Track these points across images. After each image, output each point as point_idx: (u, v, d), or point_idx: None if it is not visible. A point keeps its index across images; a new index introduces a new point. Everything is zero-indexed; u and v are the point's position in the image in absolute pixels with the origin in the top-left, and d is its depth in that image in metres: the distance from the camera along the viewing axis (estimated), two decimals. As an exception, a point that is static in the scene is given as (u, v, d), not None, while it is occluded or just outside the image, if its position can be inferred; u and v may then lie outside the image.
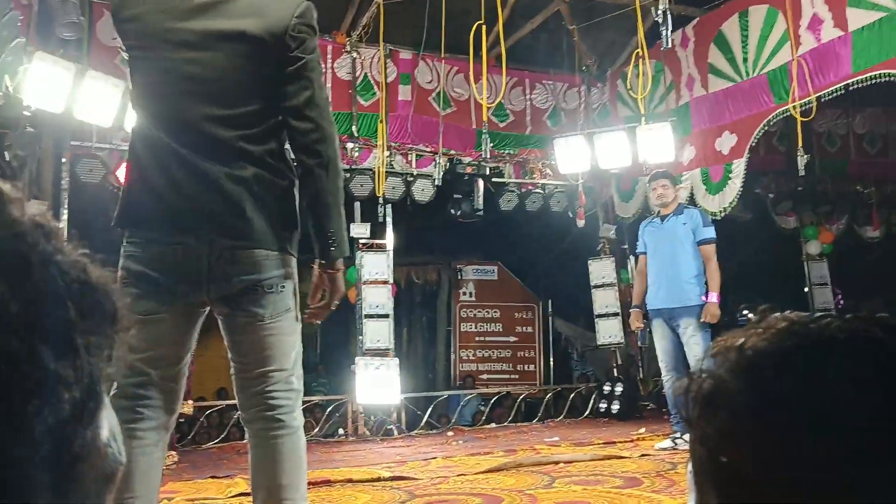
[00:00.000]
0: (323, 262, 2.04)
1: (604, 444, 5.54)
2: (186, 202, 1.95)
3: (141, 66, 2.04)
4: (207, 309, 2.05)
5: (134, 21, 2.01)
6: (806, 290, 9.07)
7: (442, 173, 7.16)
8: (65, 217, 6.09)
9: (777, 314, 0.55)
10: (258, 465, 1.98)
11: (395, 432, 6.93)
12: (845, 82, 5.34)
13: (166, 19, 1.98)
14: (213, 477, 4.55)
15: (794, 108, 5.70)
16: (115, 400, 1.84)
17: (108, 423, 0.37)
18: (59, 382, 0.32)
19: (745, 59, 6.26)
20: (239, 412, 2.09)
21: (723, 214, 6.56)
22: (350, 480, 4.21)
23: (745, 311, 13.39)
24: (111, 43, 5.88)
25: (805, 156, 5.83)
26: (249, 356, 2.01)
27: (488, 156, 6.61)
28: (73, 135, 6.10)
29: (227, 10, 1.98)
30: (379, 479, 4.25)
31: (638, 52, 6.11)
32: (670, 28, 5.45)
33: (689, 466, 0.53)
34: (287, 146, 2.09)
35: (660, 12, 5.35)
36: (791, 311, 0.55)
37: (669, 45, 5.61)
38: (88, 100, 5.25)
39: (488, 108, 6.73)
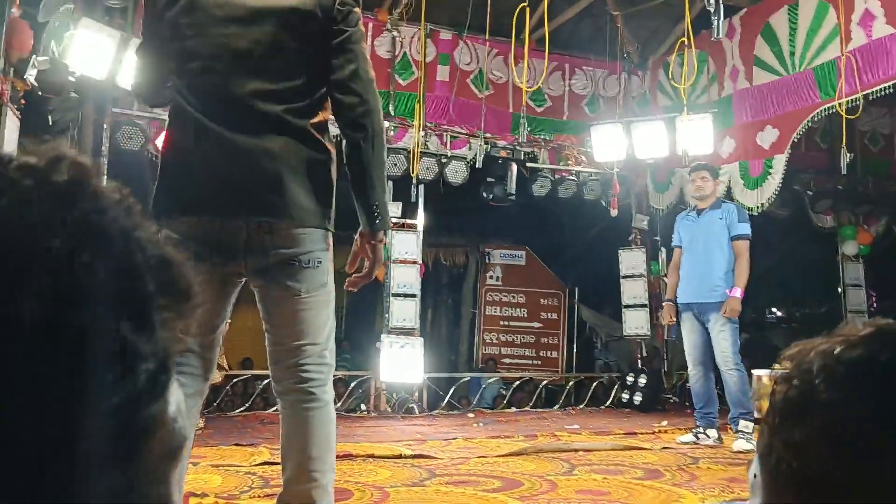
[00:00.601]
0: (366, 232, 2.07)
1: (625, 434, 5.54)
2: (226, 181, 1.96)
3: (185, 39, 2.00)
4: (244, 280, 2.07)
5: None
6: (840, 290, 8.92)
7: (481, 156, 7.14)
8: (104, 182, 6.18)
9: (857, 322, 0.54)
10: (289, 437, 2.01)
11: (416, 411, 6.99)
12: (894, 80, 5.20)
13: None
14: (237, 444, 4.63)
15: (841, 105, 5.57)
16: None
17: (175, 399, 0.37)
18: (136, 355, 0.33)
19: (792, 53, 6.13)
20: (272, 383, 2.11)
21: (760, 210, 6.46)
22: (372, 456, 4.25)
23: (773, 310, 13.23)
24: (156, 12, 5.92)
25: (849, 154, 5.71)
26: (283, 329, 2.03)
27: (525, 140, 6.56)
28: (115, 101, 6.17)
29: None
30: (400, 456, 4.29)
31: (683, 41, 6.00)
32: (721, 17, 5.33)
33: (753, 468, 0.53)
34: (330, 119, 2.09)
35: (711, 1, 5.23)
36: (877, 318, 0.54)
37: (720, 36, 5.48)
38: (131, 68, 5.30)
39: (527, 92, 6.67)
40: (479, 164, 7.18)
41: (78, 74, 5.22)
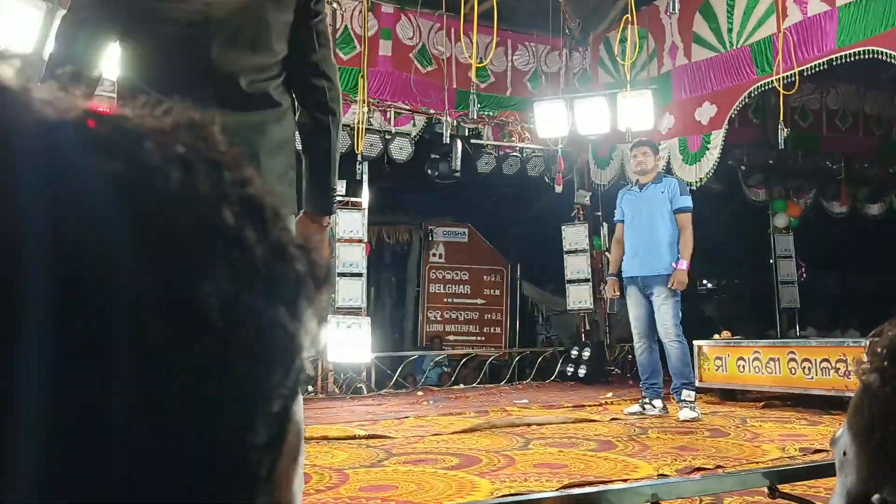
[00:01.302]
0: (317, 214, 2.03)
1: (573, 407, 5.62)
2: None
3: (146, 8, 1.81)
4: None
5: None
6: (771, 261, 9.26)
7: (423, 132, 7.08)
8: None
9: None
10: None
11: (365, 391, 6.95)
12: (829, 57, 5.38)
13: None
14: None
15: (778, 80, 5.73)
16: None
17: (300, 398, 0.32)
18: (297, 348, 0.28)
19: (730, 30, 6.26)
20: None
21: (698, 185, 6.61)
22: (325, 438, 4.20)
23: (704, 282, 13.65)
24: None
25: (785, 129, 5.89)
26: None
27: (475, 116, 6.53)
28: (43, 75, 5.85)
29: None
30: (354, 437, 4.25)
31: (627, 18, 6.06)
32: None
33: (842, 446, 0.51)
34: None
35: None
36: None
37: (677, 11, 5.54)
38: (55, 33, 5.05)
39: (476, 68, 6.63)
40: (449, 140, 7.06)
41: (2, 48, 4.93)
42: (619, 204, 5.42)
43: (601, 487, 2.37)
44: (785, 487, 2.06)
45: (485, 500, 2.67)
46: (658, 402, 5.12)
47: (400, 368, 7.59)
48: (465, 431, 4.47)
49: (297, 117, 2.01)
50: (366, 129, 6.95)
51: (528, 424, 4.72)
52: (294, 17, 1.91)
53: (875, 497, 0.48)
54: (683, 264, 4.96)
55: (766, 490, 1.98)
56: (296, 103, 2.00)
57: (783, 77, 5.70)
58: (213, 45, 1.81)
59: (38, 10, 4.84)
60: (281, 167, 1.91)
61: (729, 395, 5.90)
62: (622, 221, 5.34)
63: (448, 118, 7.30)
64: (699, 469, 3.20)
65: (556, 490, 2.82)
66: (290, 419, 0.29)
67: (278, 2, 1.88)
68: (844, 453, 0.51)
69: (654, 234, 5.07)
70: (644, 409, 5.14)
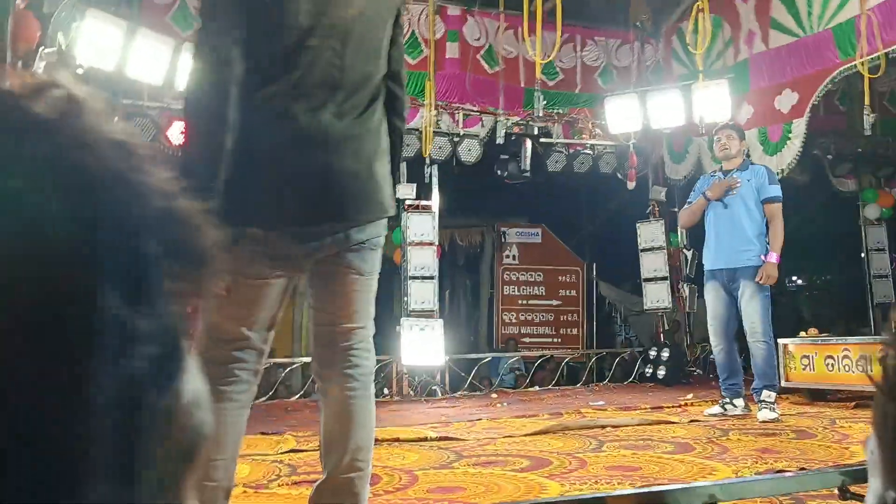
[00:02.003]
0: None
1: (651, 409, 5.47)
2: (316, 185, 1.82)
3: (262, 13, 1.79)
4: None
5: None
6: (862, 255, 8.78)
7: (492, 133, 7.04)
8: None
9: None
10: (335, 426, 1.94)
11: (439, 393, 6.96)
12: (918, 37, 5.06)
13: None
14: (262, 433, 4.61)
15: (862, 64, 5.43)
16: (214, 366, 1.80)
17: (191, 389, 0.30)
18: (127, 334, 0.26)
19: (809, 14, 5.98)
20: (316, 367, 2.01)
21: (781, 176, 6.32)
22: (397, 440, 4.22)
23: (794, 278, 13.08)
24: (161, 1, 5.86)
25: (872, 115, 5.57)
26: (339, 309, 1.95)
27: (540, 114, 6.45)
28: (125, 93, 6.12)
29: None
30: (426, 439, 4.26)
31: (698, 5, 5.86)
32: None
33: (871, 444, 0.46)
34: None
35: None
36: None
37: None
38: (139, 58, 5.26)
39: (540, 66, 6.55)
40: (500, 140, 7.05)
41: (86, 66, 5.18)
42: (698, 188, 5.09)
43: (654, 487, 2.28)
44: (858, 488, 1.93)
45: (527, 501, 2.61)
46: (739, 402, 4.92)
47: (474, 371, 7.57)
48: (537, 433, 4.41)
49: None
50: (434, 132, 6.98)
51: (603, 426, 4.62)
52: (389, 29, 1.98)
53: (889, 494, 0.43)
54: (773, 257, 4.68)
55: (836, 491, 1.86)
56: None
57: (868, 60, 5.39)
58: (346, 54, 1.85)
59: (118, 29, 5.06)
60: (387, 171, 1.97)
61: (818, 396, 5.61)
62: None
63: (516, 117, 7.24)
64: (780, 472, 3.05)
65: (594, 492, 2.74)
66: (156, 416, 0.27)
67: (388, 16, 1.95)
68: (872, 453, 0.47)
69: (738, 224, 4.78)
70: (725, 409, 4.94)
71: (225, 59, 1.74)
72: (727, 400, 4.94)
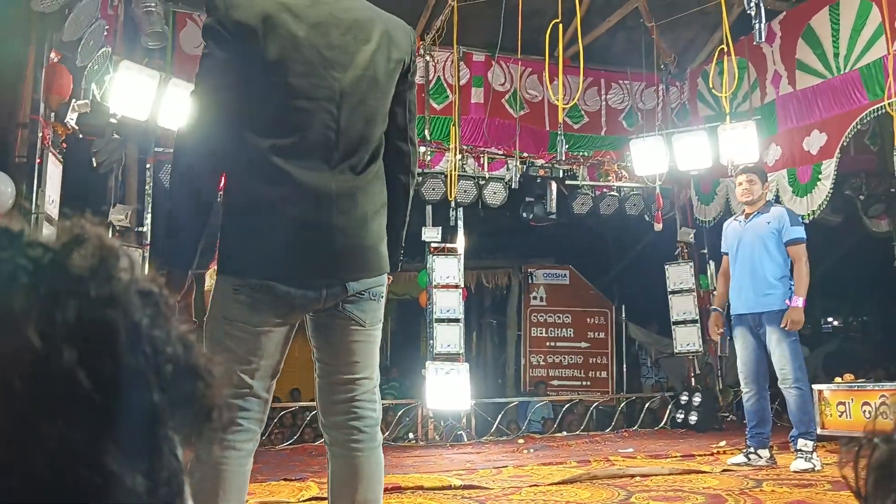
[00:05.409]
0: (388, 271, 2.07)
1: (682, 457, 5.33)
2: (318, 242, 1.85)
3: (284, 75, 1.82)
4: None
5: (273, 26, 1.81)
6: (899, 298, 8.58)
7: (517, 176, 7.06)
8: (148, 221, 6.27)
9: None
10: (341, 480, 1.92)
11: (465, 438, 6.87)
12: (947, 77, 4.99)
13: (314, 34, 1.85)
14: (285, 479, 4.58)
15: (890, 104, 5.36)
16: None
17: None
18: (125, 491, 0.25)
19: (836, 55, 5.94)
20: (321, 418, 2.01)
21: (811, 217, 6.23)
22: (421, 488, 4.15)
23: (829, 319, 12.80)
24: (194, 51, 6.03)
25: (901, 155, 5.49)
26: (341, 360, 1.95)
27: (563, 158, 6.46)
28: (157, 141, 6.27)
29: (362, 28, 1.93)
30: (450, 487, 4.18)
31: (722, 48, 5.86)
32: (763, 20, 5.14)
33: None
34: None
35: (752, 5, 5.07)
36: None
37: (763, 39, 5.31)
38: (172, 107, 5.38)
39: (563, 110, 6.58)
40: (514, 185, 7.10)
41: (119, 116, 5.31)
42: (724, 234, 5.05)
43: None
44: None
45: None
46: (764, 452, 4.76)
47: (501, 415, 7.47)
48: (564, 483, 4.32)
49: None
50: (459, 175, 7.01)
51: (632, 476, 4.50)
52: (395, 87, 2.00)
53: None
54: (799, 301, 4.53)
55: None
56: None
57: (897, 100, 5.33)
58: (341, 117, 1.87)
59: (151, 80, 5.19)
60: (383, 228, 1.98)
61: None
62: (727, 253, 5.03)
63: (541, 160, 7.26)
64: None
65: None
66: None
67: (392, 76, 1.97)
68: None
69: (761, 267, 4.69)
70: (749, 458, 4.78)
71: (216, 120, 1.82)
72: (751, 450, 4.79)
